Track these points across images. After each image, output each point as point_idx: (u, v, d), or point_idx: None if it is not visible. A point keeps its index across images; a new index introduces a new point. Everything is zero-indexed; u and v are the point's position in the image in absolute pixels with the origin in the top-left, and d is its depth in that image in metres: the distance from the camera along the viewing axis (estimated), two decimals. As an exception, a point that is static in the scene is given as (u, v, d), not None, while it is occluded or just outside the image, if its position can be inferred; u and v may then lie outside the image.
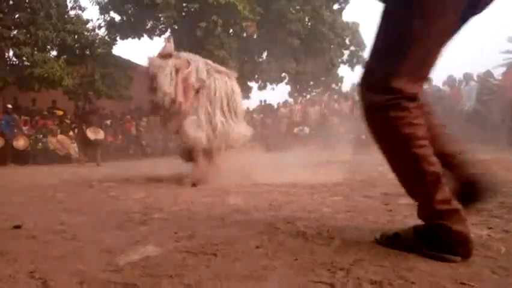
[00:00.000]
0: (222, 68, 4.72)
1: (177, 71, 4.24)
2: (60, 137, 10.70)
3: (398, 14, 1.33)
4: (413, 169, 1.32)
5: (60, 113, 12.36)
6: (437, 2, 1.26)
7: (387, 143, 1.38)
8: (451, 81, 11.06)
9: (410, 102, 1.31)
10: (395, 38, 1.32)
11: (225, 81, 4.48)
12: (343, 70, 19.16)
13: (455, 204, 1.30)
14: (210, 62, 4.65)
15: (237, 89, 4.59)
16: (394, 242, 1.41)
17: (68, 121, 11.78)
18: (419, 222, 1.58)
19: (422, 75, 1.36)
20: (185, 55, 4.53)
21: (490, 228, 1.63)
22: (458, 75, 11.13)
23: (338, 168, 4.20)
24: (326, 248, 1.43)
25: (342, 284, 1.09)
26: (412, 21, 1.27)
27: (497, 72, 11.24)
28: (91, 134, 8.76)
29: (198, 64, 4.39)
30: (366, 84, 1.41)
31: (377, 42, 1.39)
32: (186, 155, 4.42)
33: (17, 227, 2.03)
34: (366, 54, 19.43)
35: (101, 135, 9.11)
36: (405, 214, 1.94)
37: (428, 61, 1.34)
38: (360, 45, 19.13)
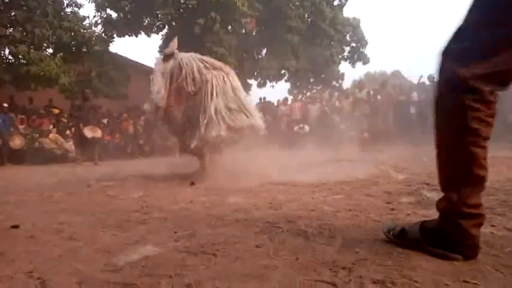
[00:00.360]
0: (219, 64, 4.68)
1: (171, 74, 4.34)
2: (53, 135, 10.65)
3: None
4: (464, 166, 1.25)
5: (57, 111, 12.30)
6: None
7: (448, 130, 1.29)
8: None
9: (492, 96, 1.23)
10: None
11: (222, 77, 4.44)
12: (344, 67, 19.24)
13: (483, 209, 1.26)
14: (206, 59, 4.62)
15: (236, 83, 4.55)
16: (400, 237, 1.40)
17: (65, 120, 11.72)
18: (419, 220, 1.56)
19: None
20: (182, 56, 4.52)
21: (492, 225, 1.62)
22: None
23: (339, 167, 4.20)
24: (327, 247, 1.42)
25: (344, 283, 1.08)
26: None
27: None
28: (88, 132, 8.72)
29: (192, 67, 4.37)
30: (452, 56, 1.27)
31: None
32: (199, 151, 4.47)
33: (15, 226, 2.01)
34: (367, 50, 19.52)
35: (98, 133, 9.07)
36: (408, 213, 1.93)
37: None
38: (361, 41, 19.14)
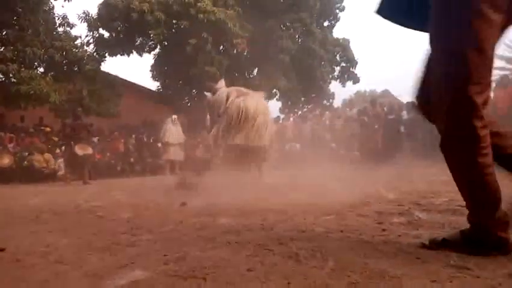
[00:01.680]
0: (245, 91, 6.01)
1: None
2: (47, 155, 10.53)
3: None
4: (481, 192, 1.50)
5: (48, 129, 12.20)
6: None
7: (462, 169, 1.54)
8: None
9: (483, 130, 1.44)
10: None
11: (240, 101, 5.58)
12: (334, 86, 19.53)
13: (507, 216, 1.50)
14: (240, 88, 6.06)
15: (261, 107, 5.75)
16: (444, 245, 1.58)
17: (55, 138, 11.61)
18: (410, 241, 1.55)
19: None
20: (222, 91, 5.93)
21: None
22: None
23: (330, 186, 4.19)
24: (319, 270, 1.40)
25: (337, 309, 1.06)
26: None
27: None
28: (79, 150, 8.63)
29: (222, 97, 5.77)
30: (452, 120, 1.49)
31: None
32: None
33: (0, 250, 1.96)
34: (356, 70, 19.86)
35: (89, 150, 8.98)
36: (399, 233, 1.92)
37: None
38: (351, 61, 19.44)
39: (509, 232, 1.49)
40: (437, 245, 1.59)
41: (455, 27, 1.39)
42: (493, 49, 1.40)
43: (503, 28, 1.42)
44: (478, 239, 1.51)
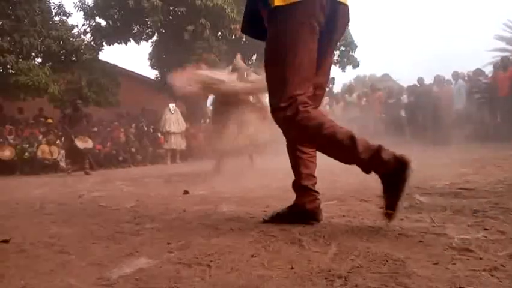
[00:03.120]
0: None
1: None
2: (53, 147, 10.54)
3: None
4: (334, 145, 1.69)
5: (50, 121, 12.19)
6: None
7: (308, 139, 1.81)
8: (439, 80, 11.18)
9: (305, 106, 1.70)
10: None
11: None
12: (334, 71, 19.45)
13: (374, 145, 1.65)
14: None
15: None
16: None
17: (56, 130, 11.61)
18: (416, 225, 1.56)
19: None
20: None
21: (485, 229, 1.62)
22: (447, 73, 11.28)
23: (331, 171, 4.19)
24: (322, 255, 1.41)
25: (341, 293, 1.07)
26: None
27: (486, 71, 11.42)
28: (80, 142, 8.64)
29: None
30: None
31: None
32: None
33: (5, 241, 1.97)
34: (356, 54, 19.71)
35: (89, 143, 8.99)
36: (401, 217, 1.93)
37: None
38: (351, 45, 19.25)
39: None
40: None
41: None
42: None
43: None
44: (390, 175, 1.65)
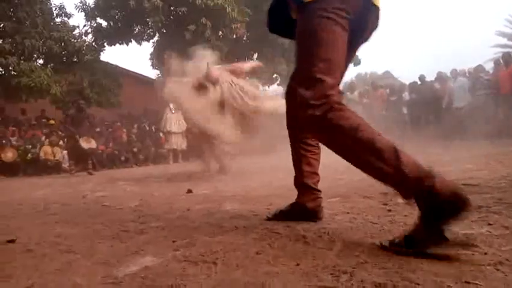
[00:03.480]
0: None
1: None
2: (56, 148, 10.57)
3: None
4: (370, 153, 1.41)
5: (53, 122, 12.22)
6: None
7: (339, 145, 1.54)
8: (440, 77, 11.16)
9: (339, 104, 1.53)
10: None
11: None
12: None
13: (423, 167, 1.34)
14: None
15: None
16: (408, 244, 1.35)
17: (59, 132, 11.64)
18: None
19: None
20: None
21: (489, 224, 1.63)
22: (448, 70, 11.26)
23: (334, 168, 4.20)
24: (327, 251, 1.42)
25: (346, 288, 1.08)
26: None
27: (487, 67, 11.38)
28: (84, 143, 8.68)
29: None
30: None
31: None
32: None
33: (11, 241, 1.98)
34: (357, 52, 19.68)
35: (93, 144, 9.03)
36: (405, 214, 1.93)
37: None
38: (351, 43, 19.24)
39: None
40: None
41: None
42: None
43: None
44: (431, 207, 1.32)
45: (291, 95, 1.69)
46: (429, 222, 1.31)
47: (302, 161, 1.99)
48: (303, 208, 1.96)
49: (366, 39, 1.82)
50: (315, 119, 1.52)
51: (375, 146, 1.39)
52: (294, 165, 2.03)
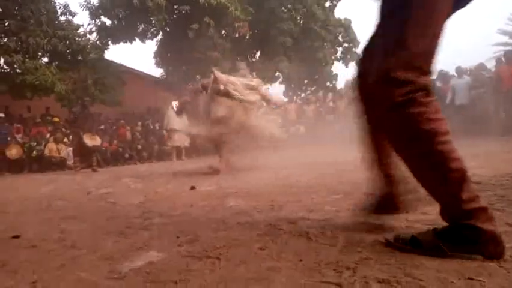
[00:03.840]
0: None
1: None
2: (61, 145, 10.62)
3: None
4: (436, 168, 1.23)
5: (57, 119, 12.27)
6: None
7: (406, 142, 1.29)
8: (442, 75, 11.10)
9: (426, 96, 1.24)
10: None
11: None
12: (337, 67, 19.45)
13: (483, 201, 1.23)
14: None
15: None
16: (413, 245, 1.31)
17: (64, 129, 11.69)
18: (423, 217, 1.57)
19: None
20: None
21: (493, 221, 1.62)
22: (449, 68, 11.18)
23: (337, 166, 4.20)
24: (330, 247, 1.42)
25: (349, 284, 1.08)
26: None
27: (488, 65, 11.32)
28: (88, 140, 8.72)
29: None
30: (377, 78, 1.29)
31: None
32: None
33: (16, 237, 2.00)
34: (359, 50, 19.68)
35: (97, 141, 9.08)
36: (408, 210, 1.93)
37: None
38: (353, 41, 19.21)
39: (496, 225, 1.23)
40: (405, 243, 1.34)
41: None
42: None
43: None
44: (457, 236, 1.23)
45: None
46: (445, 238, 1.25)
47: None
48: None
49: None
50: (398, 110, 1.25)
51: (447, 163, 1.23)
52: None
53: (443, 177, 1.24)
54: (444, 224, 1.31)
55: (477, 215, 1.21)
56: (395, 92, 1.23)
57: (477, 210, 1.21)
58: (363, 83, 1.38)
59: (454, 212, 1.25)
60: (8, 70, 12.16)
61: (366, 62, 1.38)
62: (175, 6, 14.56)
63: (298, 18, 17.44)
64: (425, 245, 1.28)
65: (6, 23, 11.90)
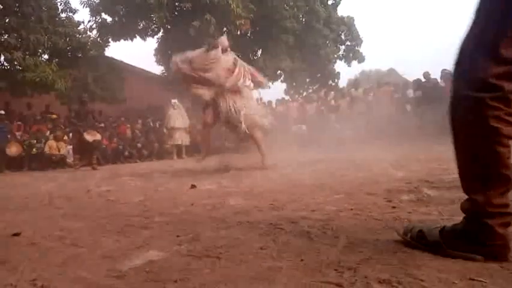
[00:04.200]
0: None
1: None
2: (61, 143, 10.61)
3: None
4: (488, 167, 1.21)
5: (54, 116, 12.26)
6: None
7: (468, 131, 1.25)
8: (444, 75, 11.07)
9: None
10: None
11: None
12: (339, 66, 19.42)
13: (510, 208, 1.22)
14: None
15: None
16: (420, 241, 1.32)
17: (63, 126, 11.68)
18: (424, 217, 1.56)
19: None
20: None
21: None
22: (449, 66, 11.14)
23: (338, 165, 4.21)
24: (331, 247, 1.42)
25: (350, 284, 1.08)
26: None
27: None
28: (89, 136, 8.70)
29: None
30: (464, 78, 1.26)
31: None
32: None
33: (16, 234, 2.00)
34: (362, 49, 19.63)
35: (98, 136, 9.06)
36: (409, 210, 1.93)
37: None
38: (356, 39, 19.19)
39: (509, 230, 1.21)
40: (414, 239, 1.35)
41: None
42: None
43: None
44: (464, 235, 1.24)
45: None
46: (450, 236, 1.26)
47: None
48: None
49: None
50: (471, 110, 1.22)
51: (494, 169, 1.21)
52: None
53: (488, 177, 1.22)
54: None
55: (498, 218, 1.20)
56: (486, 97, 1.19)
57: (502, 215, 1.20)
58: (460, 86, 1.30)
59: (479, 210, 1.23)
60: (8, 67, 12.15)
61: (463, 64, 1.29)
62: (176, 3, 14.52)
63: (301, 16, 17.39)
64: (428, 240, 1.29)
65: (7, 20, 11.87)
